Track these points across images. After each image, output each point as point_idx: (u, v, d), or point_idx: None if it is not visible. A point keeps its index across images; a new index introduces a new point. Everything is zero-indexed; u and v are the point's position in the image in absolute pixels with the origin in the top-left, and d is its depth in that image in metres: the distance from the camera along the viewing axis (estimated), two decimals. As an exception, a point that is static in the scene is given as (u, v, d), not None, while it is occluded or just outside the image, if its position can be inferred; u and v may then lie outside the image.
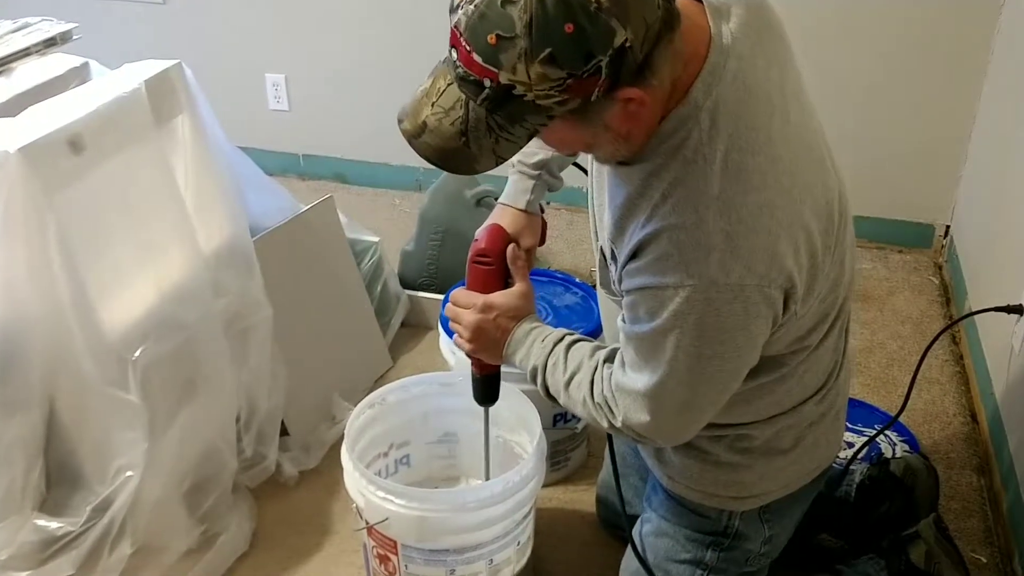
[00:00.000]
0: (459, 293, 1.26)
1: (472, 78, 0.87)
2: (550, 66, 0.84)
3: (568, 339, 1.18)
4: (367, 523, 1.37)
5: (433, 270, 2.26)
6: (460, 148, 0.94)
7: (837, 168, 1.10)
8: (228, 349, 1.60)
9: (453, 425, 1.62)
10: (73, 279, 1.34)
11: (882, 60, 2.41)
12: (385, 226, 2.54)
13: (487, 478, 1.45)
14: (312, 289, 1.93)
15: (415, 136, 0.96)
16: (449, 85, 0.92)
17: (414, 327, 2.23)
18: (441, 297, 2.05)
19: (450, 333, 1.74)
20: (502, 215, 1.32)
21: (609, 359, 1.14)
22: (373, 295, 2.11)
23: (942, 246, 2.56)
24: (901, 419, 1.71)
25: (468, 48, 0.86)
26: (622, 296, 1.07)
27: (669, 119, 0.97)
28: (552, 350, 1.18)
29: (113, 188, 1.43)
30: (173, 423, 1.48)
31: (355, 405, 1.89)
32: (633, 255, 1.01)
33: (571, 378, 1.15)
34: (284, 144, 2.99)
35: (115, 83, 1.46)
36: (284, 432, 1.83)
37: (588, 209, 1.23)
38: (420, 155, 0.97)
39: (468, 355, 1.29)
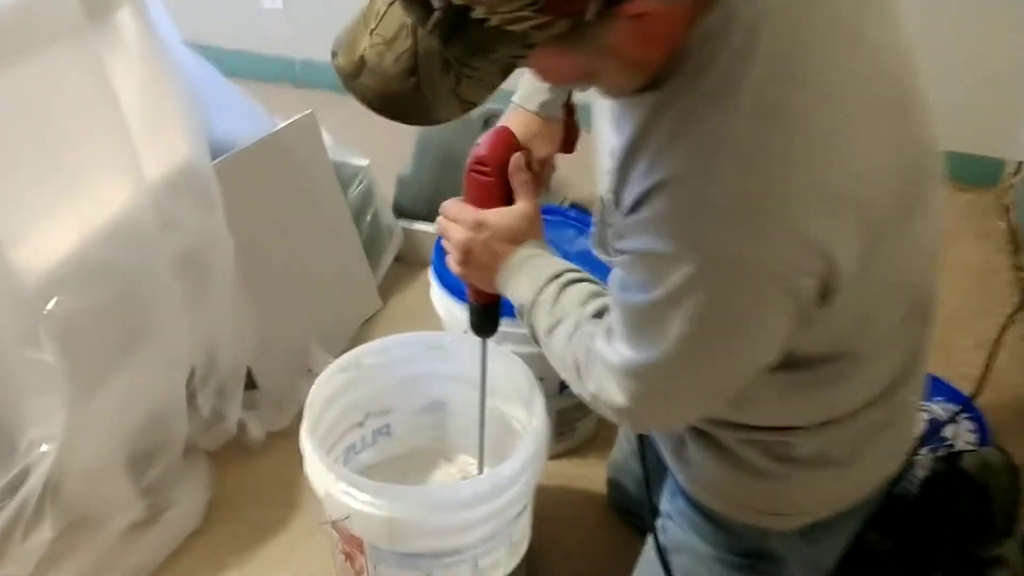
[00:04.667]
0: (452, 204, 1.03)
1: None
2: None
3: (566, 276, 0.95)
4: (329, 518, 1.14)
5: (433, 199, 1.99)
6: (409, 92, 0.68)
7: (927, 109, 0.82)
8: (179, 294, 1.36)
9: (442, 393, 1.39)
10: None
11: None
12: (382, 148, 2.27)
13: (480, 468, 1.22)
14: (287, 221, 1.67)
15: (352, 76, 0.70)
16: (390, 5, 0.67)
17: (409, 263, 1.97)
18: (441, 230, 1.79)
19: (444, 281, 1.50)
20: (513, 117, 1.06)
21: (599, 314, 0.91)
22: (361, 227, 1.86)
23: (1011, 185, 2.25)
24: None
25: None
26: (617, 254, 0.82)
27: (690, 35, 0.71)
28: (544, 287, 0.94)
29: (26, 100, 1.16)
30: (105, 384, 1.25)
31: (335, 356, 1.67)
32: (632, 208, 0.77)
33: (554, 325, 0.92)
34: (278, 47, 2.69)
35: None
36: (253, 386, 1.60)
37: (596, 143, 0.97)
38: (360, 101, 0.71)
39: (459, 277, 1.05)
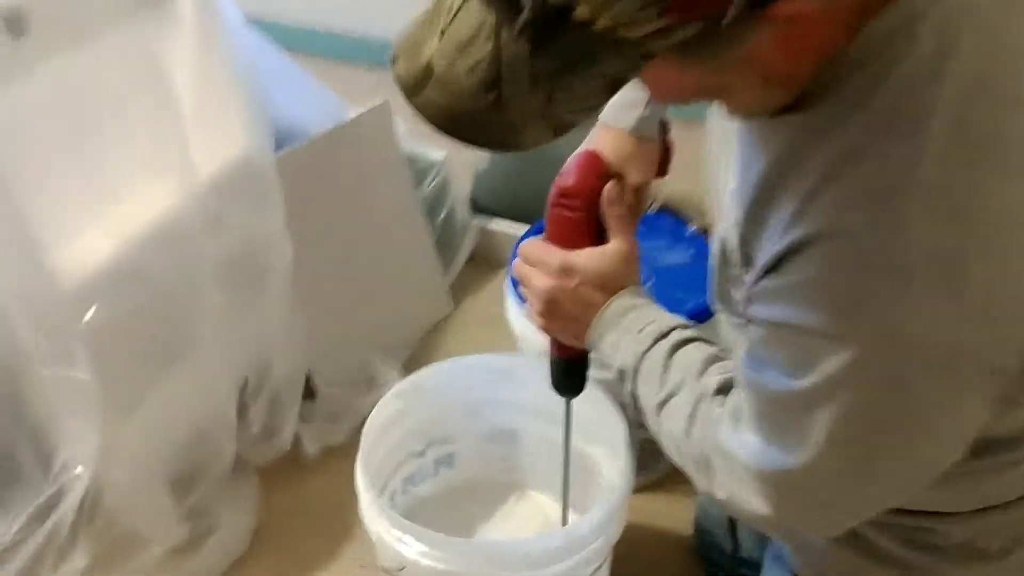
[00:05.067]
0: (533, 246, 0.87)
1: None
2: None
3: (675, 336, 0.79)
4: (381, 566, 1.02)
5: (513, 196, 1.84)
6: (487, 110, 0.54)
7: None
8: (229, 301, 1.24)
9: (511, 421, 1.25)
10: (6, 216, 1.00)
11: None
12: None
13: (565, 519, 1.08)
14: (352, 217, 1.55)
15: (414, 88, 0.56)
16: (466, 1, 0.52)
17: (484, 264, 1.83)
18: (522, 228, 1.64)
19: (522, 296, 1.36)
20: (602, 138, 0.90)
21: (723, 390, 0.74)
22: (434, 225, 1.72)
23: None
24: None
25: None
26: (748, 322, 0.66)
27: (858, 41, 0.55)
28: (650, 349, 0.79)
29: (70, 89, 1.06)
30: (145, 400, 1.15)
31: (399, 366, 1.56)
32: (770, 269, 0.61)
33: (666, 399, 0.77)
34: (348, 22, 2.54)
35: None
36: (307, 396, 1.49)
37: (709, 174, 0.81)
38: (424, 120, 0.57)
39: (541, 330, 0.91)
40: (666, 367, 0.77)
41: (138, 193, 1.14)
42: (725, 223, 0.70)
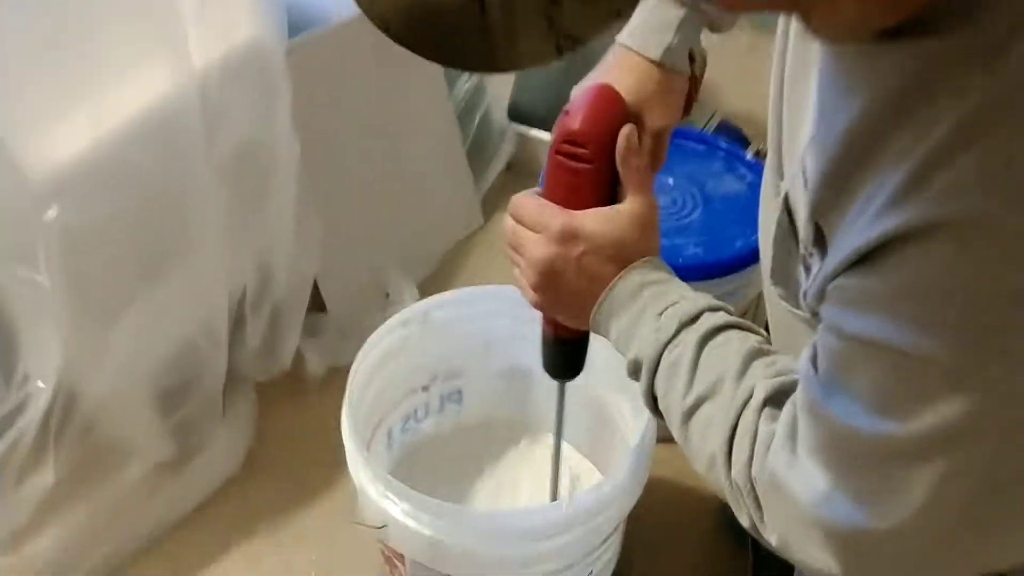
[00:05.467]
0: (528, 203, 0.70)
1: None
2: None
3: (706, 321, 0.62)
4: (362, 521, 0.91)
5: (556, 101, 1.67)
6: (463, 10, 0.39)
7: None
8: (226, 203, 1.12)
9: (526, 358, 1.12)
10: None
11: None
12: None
13: (553, 495, 0.96)
14: (375, 117, 1.40)
15: None
16: None
17: (521, 174, 1.67)
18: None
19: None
20: (619, 68, 0.72)
21: (774, 400, 0.57)
22: (468, 129, 1.57)
23: None
24: None
25: None
26: (814, 316, 0.51)
27: None
28: (673, 339, 0.62)
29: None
30: (126, 312, 1.04)
31: (420, 281, 1.43)
32: (863, 259, 0.45)
33: (696, 405, 0.60)
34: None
35: None
36: (320, 308, 1.37)
37: (769, 113, 0.64)
38: (378, 26, 0.42)
39: (534, 307, 0.74)
40: (695, 363, 0.61)
41: (127, 81, 1.00)
42: (793, 179, 0.54)
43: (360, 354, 0.98)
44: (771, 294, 0.62)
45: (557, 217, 0.67)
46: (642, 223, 0.67)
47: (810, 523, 0.52)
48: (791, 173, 0.54)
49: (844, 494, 0.49)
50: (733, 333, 0.61)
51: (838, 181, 0.46)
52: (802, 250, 0.50)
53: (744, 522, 0.59)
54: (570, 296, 0.68)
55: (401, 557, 0.93)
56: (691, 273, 1.12)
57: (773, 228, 0.56)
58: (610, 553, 0.99)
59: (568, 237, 0.66)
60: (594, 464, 1.15)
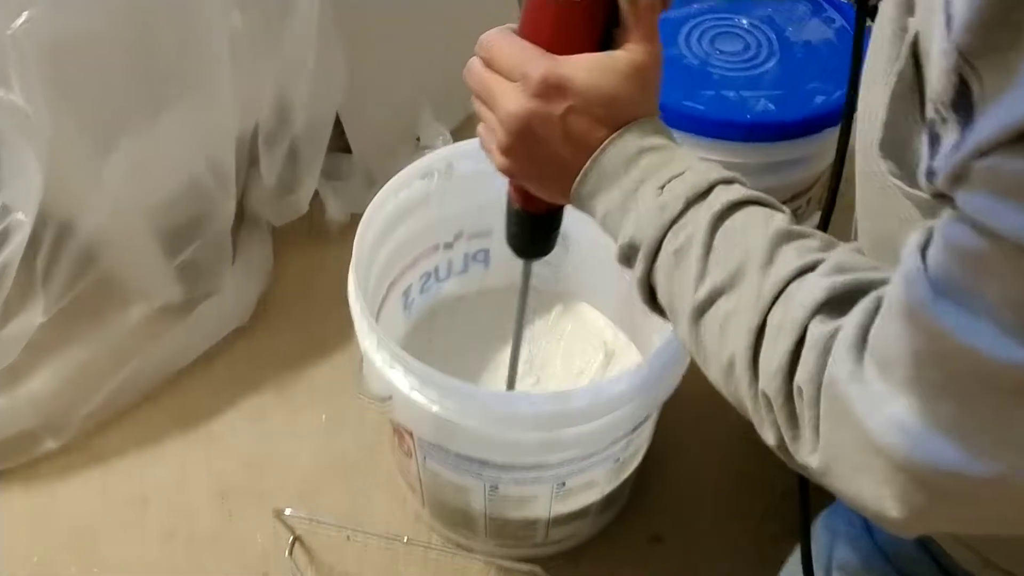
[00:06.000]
0: (503, 42, 0.56)
1: None
2: None
3: (722, 196, 0.50)
4: (366, 391, 0.81)
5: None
6: None
7: None
8: (241, 27, 0.98)
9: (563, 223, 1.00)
10: None
11: None
12: None
13: (510, 384, 0.86)
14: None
15: None
16: None
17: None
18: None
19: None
20: None
21: (833, 304, 0.44)
22: (519, -47, 1.39)
23: None
24: None
25: None
26: (939, 200, 0.38)
27: None
28: (679, 216, 0.50)
29: None
30: (126, 142, 0.93)
31: (452, 126, 1.30)
32: (1018, 139, 0.31)
33: (712, 297, 0.49)
34: None
35: None
36: (345, 148, 1.26)
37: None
38: None
39: (501, 172, 0.61)
40: (708, 247, 0.49)
41: None
42: (930, 15, 0.39)
43: (370, 208, 0.87)
44: (868, 167, 0.49)
45: (540, 63, 0.53)
46: (642, 78, 0.54)
47: (873, 451, 0.40)
48: (926, 6, 0.40)
49: (935, 426, 0.38)
50: (755, 210, 0.49)
51: (1010, 14, 0.31)
52: (931, 113, 0.36)
53: (769, 439, 0.48)
54: (547, 164, 0.56)
55: (408, 430, 0.84)
56: (759, 132, 0.97)
57: (890, 82, 0.42)
58: (640, 439, 0.89)
59: (552, 89, 0.53)
60: (631, 339, 1.05)
